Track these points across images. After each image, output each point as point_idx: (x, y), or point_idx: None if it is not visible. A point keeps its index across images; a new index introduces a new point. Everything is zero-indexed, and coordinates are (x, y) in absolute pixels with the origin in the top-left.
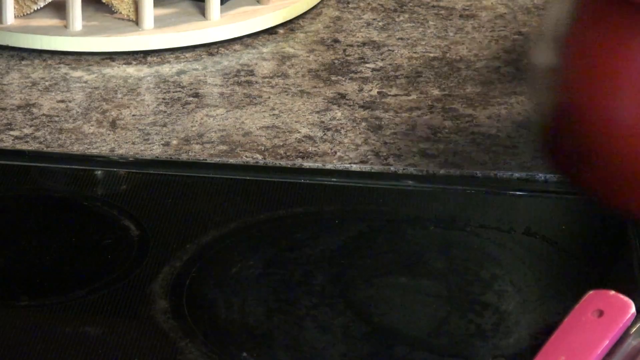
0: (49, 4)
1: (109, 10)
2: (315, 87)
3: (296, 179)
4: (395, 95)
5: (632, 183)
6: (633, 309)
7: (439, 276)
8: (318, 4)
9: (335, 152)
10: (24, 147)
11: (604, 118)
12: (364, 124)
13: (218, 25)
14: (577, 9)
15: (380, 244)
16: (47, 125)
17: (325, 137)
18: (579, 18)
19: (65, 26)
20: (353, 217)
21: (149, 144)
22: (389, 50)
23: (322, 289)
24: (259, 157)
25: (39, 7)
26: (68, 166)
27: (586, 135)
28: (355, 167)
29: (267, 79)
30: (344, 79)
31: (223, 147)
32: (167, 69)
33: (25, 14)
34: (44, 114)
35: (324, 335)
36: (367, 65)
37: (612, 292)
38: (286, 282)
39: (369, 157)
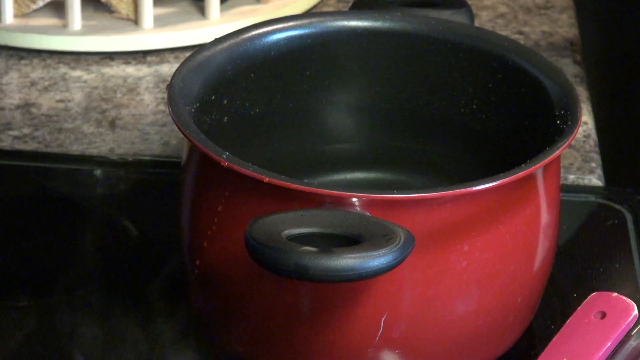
0: (48, 3)
1: (108, 9)
2: None
3: None
4: None
5: None
6: (635, 311)
7: None
8: (318, 3)
9: None
10: (23, 147)
11: None
12: None
13: (218, 25)
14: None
15: None
16: (46, 125)
17: None
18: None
19: (65, 26)
20: None
21: (149, 143)
22: None
23: None
24: None
25: (38, 7)
26: (67, 166)
27: None
28: None
29: None
30: None
31: None
32: (167, 69)
33: (24, 13)
34: (43, 114)
35: None
36: None
37: (615, 294)
38: None
39: None
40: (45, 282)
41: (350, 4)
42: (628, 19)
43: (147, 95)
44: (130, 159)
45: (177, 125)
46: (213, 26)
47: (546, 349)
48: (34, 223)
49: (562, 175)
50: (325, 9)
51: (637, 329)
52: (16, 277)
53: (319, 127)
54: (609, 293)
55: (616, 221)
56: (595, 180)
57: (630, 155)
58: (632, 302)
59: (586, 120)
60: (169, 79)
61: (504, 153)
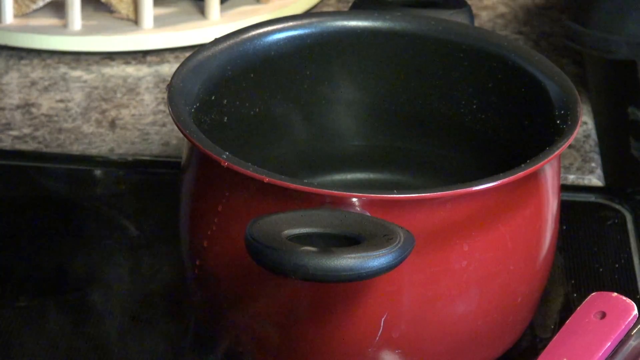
0: (48, 3)
1: (108, 9)
2: None
3: None
4: None
5: None
6: (635, 311)
7: None
8: (318, 3)
9: None
10: (23, 147)
11: None
12: None
13: (218, 25)
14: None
15: None
16: (46, 125)
17: None
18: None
19: (65, 26)
20: None
21: (149, 143)
22: None
23: None
24: None
25: (38, 7)
26: (67, 166)
27: None
28: None
29: None
30: None
31: None
32: (167, 69)
33: (24, 13)
34: (43, 114)
35: None
36: None
37: (615, 294)
38: None
39: None
40: (45, 282)
41: (350, 4)
42: None
43: (147, 95)
44: (130, 159)
45: (177, 125)
46: (213, 26)
47: (546, 349)
48: (34, 223)
49: (562, 175)
50: (325, 9)
51: (637, 329)
52: (16, 277)
53: (318, 127)
54: (609, 293)
55: (616, 221)
56: (595, 180)
57: (630, 155)
58: (632, 302)
59: (586, 120)
60: (169, 79)
61: (504, 153)
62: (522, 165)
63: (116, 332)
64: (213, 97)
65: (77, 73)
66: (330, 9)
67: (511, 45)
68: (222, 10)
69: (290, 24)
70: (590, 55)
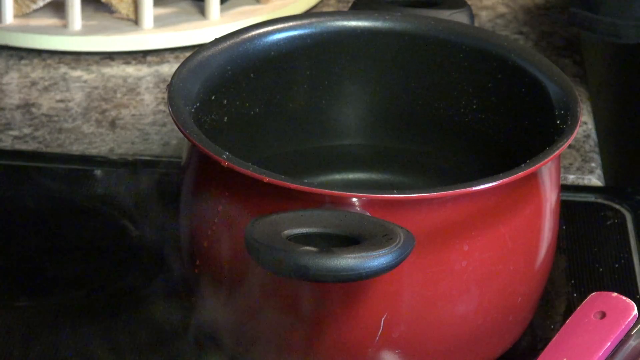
0: (48, 3)
1: (109, 9)
2: None
3: None
4: None
5: None
6: (635, 311)
7: None
8: (318, 3)
9: None
10: (23, 147)
11: None
12: None
13: (218, 25)
14: None
15: None
16: (47, 125)
17: None
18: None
19: (65, 26)
20: None
21: (149, 143)
22: None
23: None
24: None
25: (38, 7)
26: (67, 166)
27: None
28: None
29: None
30: None
31: None
32: (167, 69)
33: (24, 13)
34: (43, 114)
35: None
36: None
37: (615, 294)
38: None
39: None
40: (45, 282)
41: (350, 4)
42: None
43: (147, 95)
44: (130, 159)
45: (177, 125)
46: (213, 26)
47: (546, 349)
48: (34, 223)
49: (562, 175)
50: (325, 9)
51: (637, 329)
52: (16, 277)
53: (318, 127)
54: (609, 293)
55: (616, 221)
56: (595, 180)
57: (630, 155)
58: (632, 302)
59: (586, 120)
60: (169, 79)
61: (504, 153)
62: (522, 165)
63: (116, 332)
64: (213, 97)
65: (77, 73)
66: (330, 9)
67: (511, 45)
68: (222, 10)
69: (290, 24)
70: (603, 42)
